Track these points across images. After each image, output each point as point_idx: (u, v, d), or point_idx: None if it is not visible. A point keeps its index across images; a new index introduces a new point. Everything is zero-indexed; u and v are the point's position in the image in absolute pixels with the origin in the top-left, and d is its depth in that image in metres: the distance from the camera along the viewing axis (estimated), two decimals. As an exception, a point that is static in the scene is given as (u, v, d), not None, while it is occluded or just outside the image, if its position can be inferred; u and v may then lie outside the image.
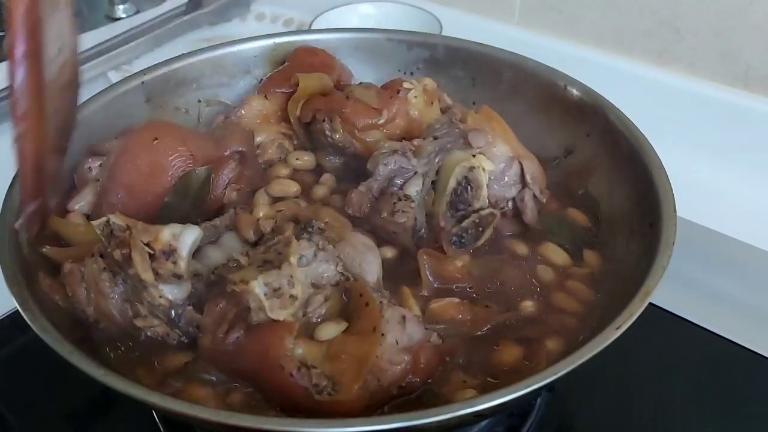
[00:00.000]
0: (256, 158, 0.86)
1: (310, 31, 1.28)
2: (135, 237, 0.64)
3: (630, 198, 0.78)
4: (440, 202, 0.77)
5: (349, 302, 0.66)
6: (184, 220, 0.71)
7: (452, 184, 0.76)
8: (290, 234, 0.67)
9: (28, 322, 0.61)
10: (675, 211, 0.71)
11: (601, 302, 0.73)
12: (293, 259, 0.65)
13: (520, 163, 0.80)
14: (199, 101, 0.96)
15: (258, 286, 0.62)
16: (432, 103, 0.87)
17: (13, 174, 0.75)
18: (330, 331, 0.64)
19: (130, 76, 0.92)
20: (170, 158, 0.76)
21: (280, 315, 0.62)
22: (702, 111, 1.15)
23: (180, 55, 0.95)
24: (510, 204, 0.81)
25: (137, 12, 1.58)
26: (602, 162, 0.84)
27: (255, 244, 0.71)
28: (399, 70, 1.00)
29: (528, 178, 0.80)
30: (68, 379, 0.77)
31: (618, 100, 0.86)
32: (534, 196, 0.81)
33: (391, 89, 0.87)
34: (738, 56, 1.13)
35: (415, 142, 0.79)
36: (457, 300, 0.72)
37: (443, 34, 1.24)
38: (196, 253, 0.69)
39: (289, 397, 0.61)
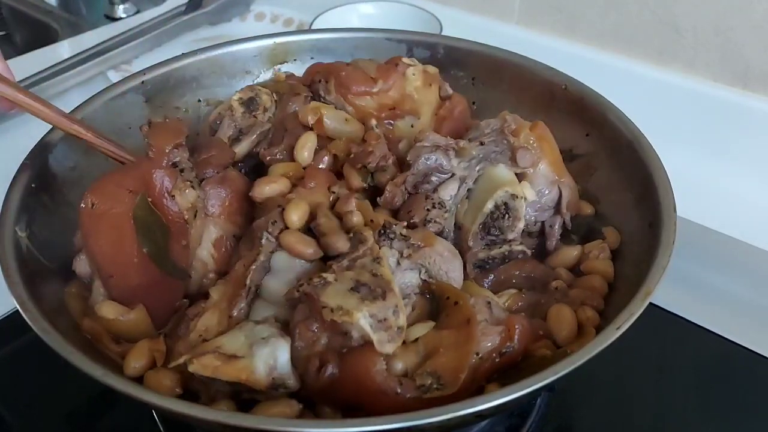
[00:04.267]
0: (208, 136, 0.85)
1: (310, 30, 1.28)
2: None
3: (630, 198, 0.78)
4: (473, 219, 0.74)
5: (434, 303, 0.67)
6: (164, 252, 0.70)
7: (490, 206, 0.73)
8: (374, 244, 0.65)
9: (28, 322, 0.61)
10: (675, 211, 0.71)
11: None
12: (396, 287, 0.62)
13: (559, 189, 0.78)
14: (199, 101, 0.96)
15: (363, 318, 0.59)
16: (430, 85, 0.88)
17: (13, 174, 0.75)
18: (419, 330, 0.64)
19: (130, 75, 0.92)
20: (115, 212, 0.70)
21: (389, 348, 0.60)
22: (702, 111, 1.15)
23: (180, 55, 0.95)
24: (537, 225, 0.79)
25: (137, 12, 1.59)
26: (602, 162, 0.84)
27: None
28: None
29: (563, 206, 0.78)
30: (68, 379, 0.77)
31: (618, 100, 0.85)
32: (563, 223, 0.79)
33: (391, 62, 0.88)
34: (738, 55, 1.13)
35: (461, 143, 0.76)
36: (515, 290, 0.73)
37: (443, 34, 1.24)
38: (260, 290, 0.67)
39: (397, 410, 0.58)
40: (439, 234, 0.73)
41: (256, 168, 0.85)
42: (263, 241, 0.68)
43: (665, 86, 1.18)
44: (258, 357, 0.60)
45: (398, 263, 0.66)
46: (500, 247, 0.75)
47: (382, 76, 0.86)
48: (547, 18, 1.31)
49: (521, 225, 0.75)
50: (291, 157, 0.81)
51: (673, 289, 0.79)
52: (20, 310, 0.62)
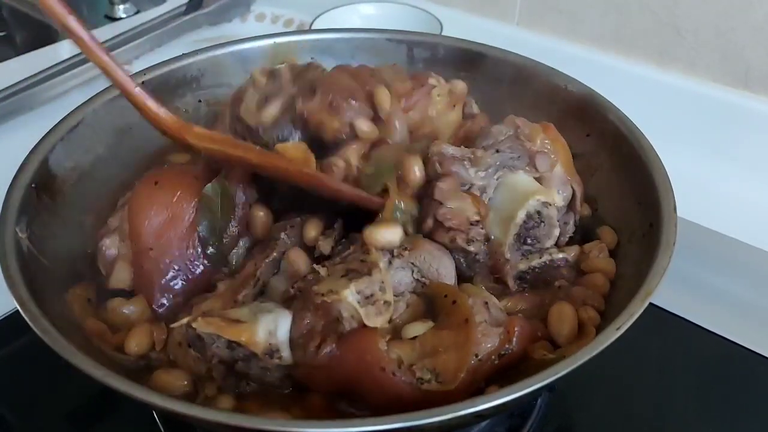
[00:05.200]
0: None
1: (310, 31, 1.28)
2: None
3: (630, 198, 0.78)
4: (505, 231, 0.72)
5: (432, 303, 0.67)
6: (217, 236, 0.73)
7: (522, 215, 0.72)
8: (364, 245, 0.67)
9: (29, 322, 0.61)
10: (675, 211, 0.71)
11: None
12: (382, 264, 0.64)
13: (573, 189, 0.78)
14: (199, 101, 0.96)
15: (351, 295, 0.61)
16: (453, 106, 0.85)
17: (13, 174, 0.75)
18: (417, 329, 0.64)
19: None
20: (178, 192, 0.74)
21: (377, 322, 0.62)
22: (702, 111, 1.15)
23: (180, 56, 0.95)
24: None
25: (137, 12, 1.59)
26: (602, 162, 0.84)
27: (320, 257, 0.71)
28: (399, 70, 1.00)
29: (577, 204, 0.78)
30: (68, 379, 0.77)
31: (618, 100, 0.85)
32: (574, 221, 0.79)
33: (417, 80, 0.85)
34: (738, 56, 1.13)
35: (477, 152, 0.74)
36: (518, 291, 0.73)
37: (443, 34, 1.24)
38: (266, 289, 0.70)
39: (393, 398, 0.60)
40: (476, 251, 0.72)
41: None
42: (281, 238, 0.72)
43: (666, 87, 1.18)
44: (261, 322, 0.62)
45: (390, 263, 0.67)
46: (540, 257, 0.74)
47: (405, 94, 0.82)
48: (547, 19, 1.31)
49: (557, 232, 0.74)
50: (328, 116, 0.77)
51: (673, 290, 0.79)
52: (20, 310, 0.62)
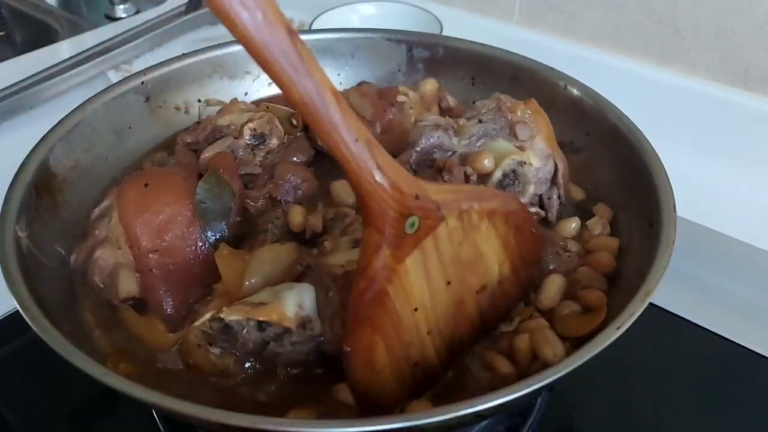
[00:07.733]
0: None
1: (310, 31, 1.27)
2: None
3: (630, 198, 0.78)
4: None
5: None
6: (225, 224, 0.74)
7: (498, 174, 0.75)
8: (356, 215, 0.69)
9: (28, 322, 0.61)
10: (675, 210, 0.71)
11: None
12: None
13: (555, 163, 0.80)
14: (199, 101, 0.96)
15: None
16: (429, 109, 0.87)
17: (13, 174, 0.75)
18: None
19: (130, 76, 0.92)
20: (173, 190, 0.74)
21: None
22: (702, 111, 1.15)
23: (180, 55, 0.95)
24: (535, 198, 0.80)
25: (137, 12, 1.59)
26: (602, 161, 0.84)
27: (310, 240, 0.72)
28: (399, 70, 1.00)
29: (560, 178, 0.80)
30: (68, 379, 0.77)
31: (618, 100, 0.86)
32: (558, 196, 0.81)
33: (387, 99, 0.86)
34: (738, 56, 1.13)
35: (460, 121, 0.78)
36: None
37: (443, 34, 1.24)
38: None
39: None
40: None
41: None
42: (269, 229, 0.75)
43: (666, 86, 1.18)
44: (287, 298, 0.63)
45: None
46: None
47: (378, 117, 0.85)
48: (547, 18, 1.31)
49: (532, 189, 0.77)
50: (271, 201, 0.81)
51: (673, 289, 0.79)
52: (20, 310, 0.62)
